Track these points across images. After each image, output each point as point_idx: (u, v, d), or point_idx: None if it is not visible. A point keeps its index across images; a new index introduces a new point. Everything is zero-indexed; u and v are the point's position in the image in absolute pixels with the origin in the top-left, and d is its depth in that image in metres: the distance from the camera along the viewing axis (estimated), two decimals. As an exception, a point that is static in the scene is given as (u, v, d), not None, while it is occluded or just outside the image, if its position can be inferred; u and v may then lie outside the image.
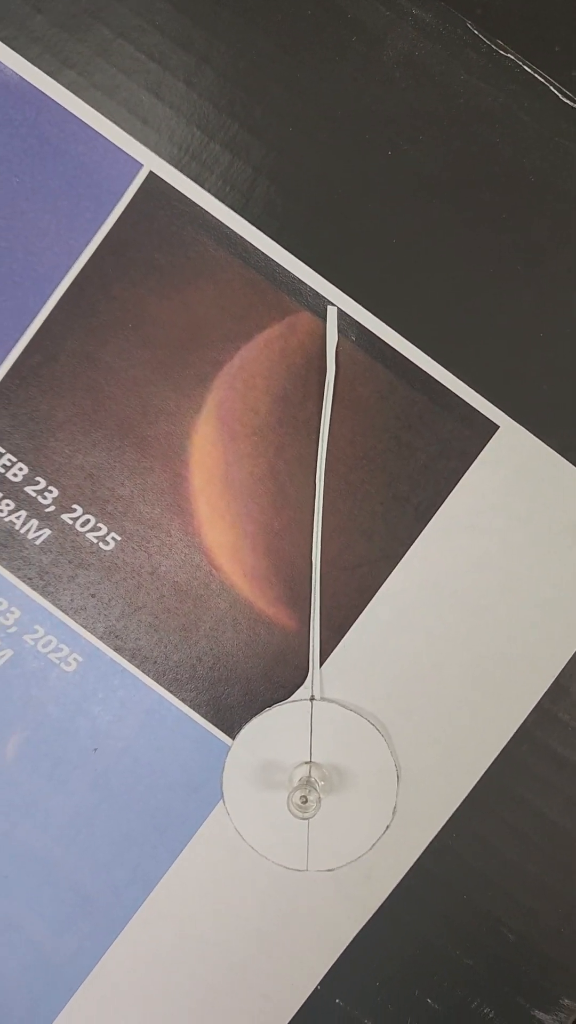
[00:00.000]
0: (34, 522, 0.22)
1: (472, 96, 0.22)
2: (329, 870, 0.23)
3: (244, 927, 0.23)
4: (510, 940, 0.23)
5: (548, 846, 0.22)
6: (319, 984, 0.23)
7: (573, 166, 0.22)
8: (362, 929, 0.23)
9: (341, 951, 0.23)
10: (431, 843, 0.23)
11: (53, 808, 0.23)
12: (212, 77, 0.22)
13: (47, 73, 0.22)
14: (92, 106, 0.22)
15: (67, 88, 0.22)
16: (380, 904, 0.23)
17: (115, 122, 0.22)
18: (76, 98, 0.22)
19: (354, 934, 0.23)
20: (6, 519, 0.22)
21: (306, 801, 0.21)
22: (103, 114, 0.22)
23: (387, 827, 0.22)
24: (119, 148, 0.22)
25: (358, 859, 0.23)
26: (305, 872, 0.23)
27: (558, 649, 0.22)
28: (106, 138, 0.22)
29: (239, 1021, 0.23)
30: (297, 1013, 0.23)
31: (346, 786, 0.22)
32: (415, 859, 0.23)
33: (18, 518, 0.22)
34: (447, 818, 0.22)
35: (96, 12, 0.22)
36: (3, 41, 0.22)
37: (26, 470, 0.22)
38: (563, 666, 0.22)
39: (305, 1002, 0.23)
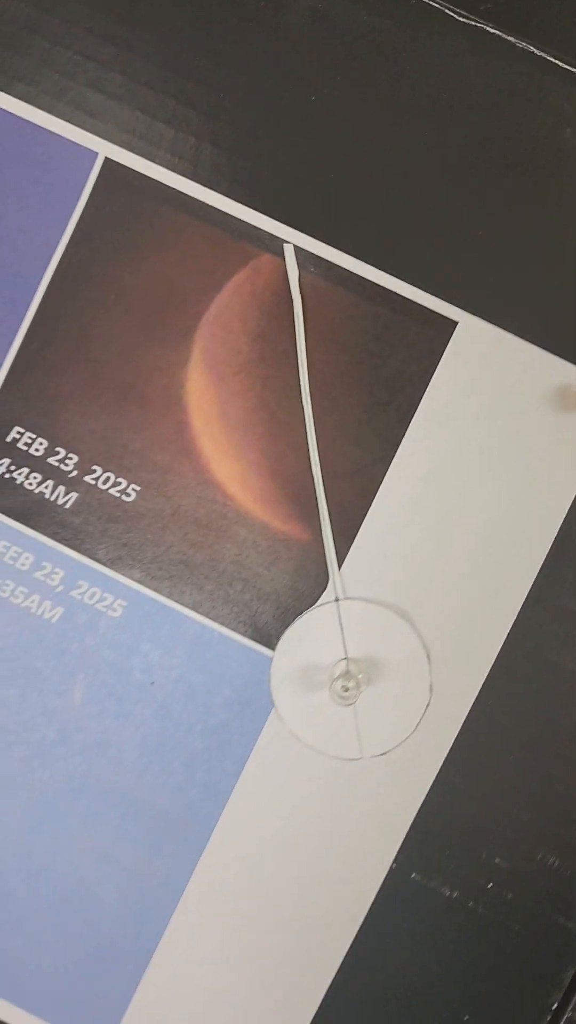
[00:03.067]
0: (61, 488, 0.25)
1: (376, 35, 0.24)
2: (382, 754, 0.25)
3: (315, 821, 0.25)
4: (560, 790, 0.24)
5: (579, 699, 0.24)
6: (393, 863, 0.25)
7: (470, 82, 0.24)
8: (422, 804, 0.25)
9: (407, 828, 0.25)
10: (469, 713, 0.24)
11: (123, 742, 0.25)
12: (143, 64, 0.24)
13: (1, 90, 0.24)
14: (44, 110, 0.24)
15: (19, 99, 0.24)
16: (434, 777, 0.25)
17: (67, 120, 0.24)
18: (29, 106, 0.24)
19: (416, 810, 0.25)
20: (36, 490, 0.25)
21: (347, 689, 0.24)
22: (55, 115, 0.24)
23: (427, 705, 0.24)
24: (75, 142, 0.24)
25: (406, 739, 0.25)
26: (360, 760, 0.25)
27: (553, 510, 0.24)
28: (62, 136, 0.24)
29: (327, 909, 0.25)
30: (378, 893, 0.25)
31: (383, 675, 0.24)
32: (458, 730, 0.25)
33: (46, 487, 0.25)
34: (480, 687, 0.24)
35: (32, 27, 0.24)
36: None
37: (46, 443, 0.25)
38: (559, 525, 0.24)
39: (383, 882, 0.25)
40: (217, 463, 0.24)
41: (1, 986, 0.26)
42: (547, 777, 0.24)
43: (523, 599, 0.24)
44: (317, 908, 0.25)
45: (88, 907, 0.25)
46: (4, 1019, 0.26)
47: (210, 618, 0.25)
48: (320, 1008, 0.25)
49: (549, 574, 0.24)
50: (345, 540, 0.24)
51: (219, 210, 0.24)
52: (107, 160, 0.24)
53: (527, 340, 0.24)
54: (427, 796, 0.25)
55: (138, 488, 0.25)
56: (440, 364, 0.24)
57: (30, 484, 0.25)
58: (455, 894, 0.25)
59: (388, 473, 0.24)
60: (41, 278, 0.25)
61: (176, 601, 0.25)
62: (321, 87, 0.24)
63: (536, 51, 0.24)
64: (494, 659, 0.24)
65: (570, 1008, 0.25)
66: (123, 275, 0.24)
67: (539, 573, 0.24)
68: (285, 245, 0.24)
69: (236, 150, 0.24)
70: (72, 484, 0.25)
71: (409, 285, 0.24)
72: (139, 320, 0.24)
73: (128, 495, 0.25)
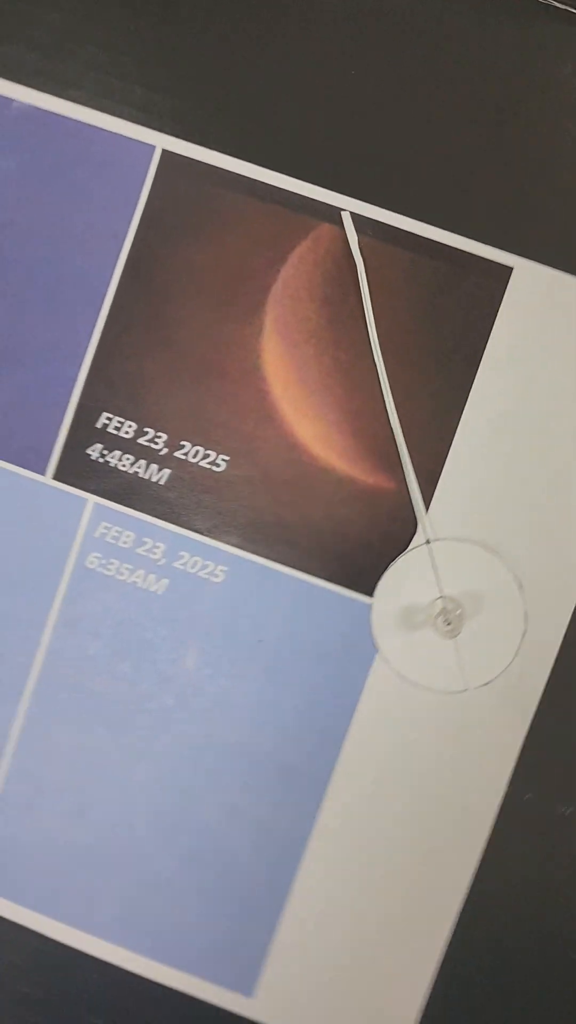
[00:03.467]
0: (154, 467, 0.26)
1: (406, 8, 0.25)
2: (486, 684, 0.26)
3: (428, 756, 0.26)
4: None
5: None
6: (507, 786, 0.26)
7: (499, 41, 0.25)
8: (530, 727, 0.26)
9: (518, 752, 0.26)
10: (565, 635, 0.26)
11: (239, 701, 0.26)
12: (187, 56, 0.26)
13: (54, 95, 0.26)
14: (99, 110, 0.26)
15: (74, 103, 0.26)
16: (539, 699, 0.26)
17: (121, 118, 0.26)
18: (82, 108, 0.26)
19: (524, 733, 0.26)
20: (130, 471, 0.26)
21: (450, 623, 0.25)
22: (110, 114, 0.26)
23: (524, 632, 0.26)
24: (131, 138, 0.26)
25: (508, 667, 0.26)
26: (466, 692, 0.26)
27: (621, 436, 0.25)
28: (118, 134, 0.26)
29: (450, 837, 0.26)
30: (497, 816, 0.26)
31: (479, 608, 0.26)
32: (556, 652, 0.26)
33: (140, 467, 0.26)
34: (573, 608, 0.26)
35: (75, 36, 0.26)
36: (12, 81, 0.26)
37: (135, 425, 0.26)
38: (629, 448, 0.25)
39: (501, 805, 0.26)
40: (299, 426, 0.26)
41: (146, 945, 0.27)
42: None
43: (603, 521, 0.26)
44: (440, 838, 0.26)
45: (221, 861, 0.27)
46: (149, 976, 0.27)
47: (308, 573, 0.26)
48: (454, 933, 0.26)
49: (625, 495, 0.25)
50: (429, 485, 0.26)
51: (275, 187, 0.26)
52: (164, 152, 0.26)
53: (581, 276, 0.25)
54: (534, 718, 0.26)
55: (227, 458, 0.26)
56: (500, 309, 0.25)
57: (123, 466, 0.26)
58: (569, 810, 0.26)
59: (463, 417, 0.26)
60: (112, 271, 0.26)
61: (274, 560, 0.26)
62: (359, 61, 0.25)
63: (559, 5, 0.25)
64: (582, 581, 0.26)
65: None
66: (192, 258, 0.26)
67: (616, 495, 0.25)
68: (343, 213, 0.25)
69: (284, 129, 0.25)
70: (164, 461, 0.26)
71: (463, 237, 0.25)
72: (211, 299, 0.26)
73: (218, 465, 0.26)
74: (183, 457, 0.26)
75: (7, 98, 0.26)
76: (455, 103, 0.25)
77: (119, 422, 0.26)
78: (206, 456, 0.26)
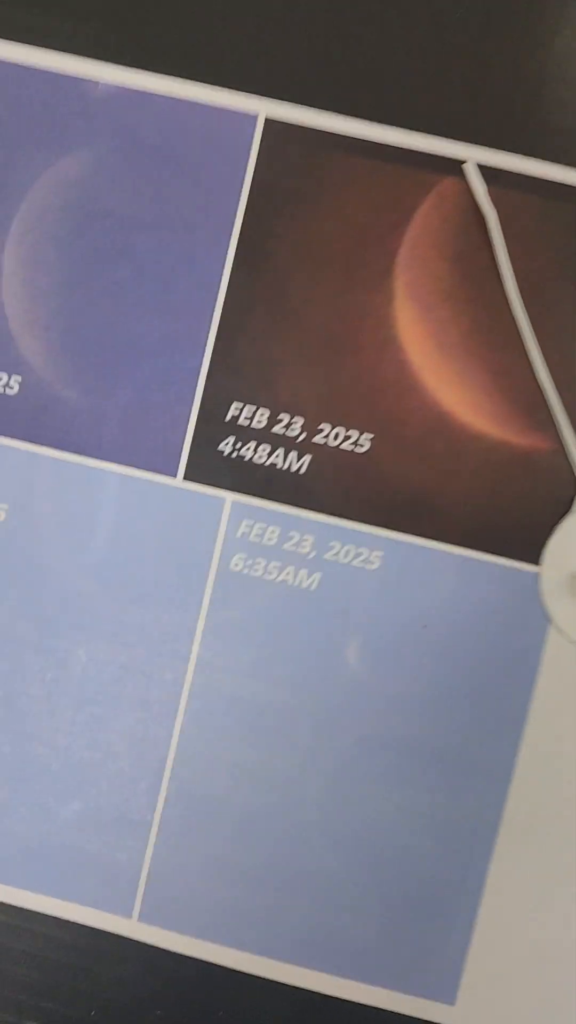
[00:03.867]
0: (293, 454, 0.24)
1: None
2: None
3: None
4: None
5: None
6: None
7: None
8: None
9: None
10: None
11: (407, 693, 0.25)
12: (275, 20, 0.24)
13: (142, 71, 0.24)
14: (194, 82, 0.24)
15: (164, 75, 0.24)
16: None
17: (217, 86, 0.24)
18: (175, 81, 0.24)
19: None
20: (267, 462, 0.24)
21: (632, 583, 0.23)
22: (206, 85, 0.24)
23: None
24: (231, 110, 0.24)
25: None
26: None
27: None
28: (216, 106, 0.24)
29: None
30: None
31: None
32: None
33: (277, 457, 0.24)
34: None
35: (157, 7, 0.24)
36: (95, 60, 0.24)
37: (267, 412, 0.24)
38: None
39: None
40: (444, 393, 0.24)
41: (335, 963, 0.25)
42: None
43: None
44: None
45: (406, 867, 0.25)
46: (344, 995, 0.25)
47: (469, 547, 0.24)
48: None
49: None
50: (587, 440, 0.24)
51: (390, 145, 0.24)
52: (268, 119, 0.24)
53: None
54: None
55: (371, 436, 0.24)
56: None
57: (260, 457, 0.25)
58: None
59: (615, 364, 0.24)
60: (226, 251, 0.24)
61: (431, 539, 0.24)
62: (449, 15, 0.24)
63: None
64: None
65: None
66: (309, 230, 0.24)
67: None
68: (464, 165, 0.24)
69: (390, 82, 0.24)
70: (303, 447, 0.24)
71: (597, 173, 0.24)
72: (335, 270, 0.24)
73: (361, 445, 0.24)
74: (323, 441, 0.24)
75: (91, 80, 0.24)
76: (570, 34, 0.24)
77: (250, 411, 0.24)
78: (347, 437, 0.24)
